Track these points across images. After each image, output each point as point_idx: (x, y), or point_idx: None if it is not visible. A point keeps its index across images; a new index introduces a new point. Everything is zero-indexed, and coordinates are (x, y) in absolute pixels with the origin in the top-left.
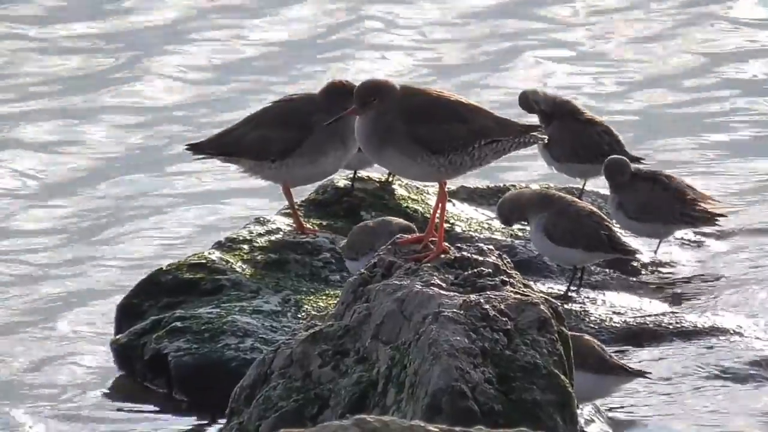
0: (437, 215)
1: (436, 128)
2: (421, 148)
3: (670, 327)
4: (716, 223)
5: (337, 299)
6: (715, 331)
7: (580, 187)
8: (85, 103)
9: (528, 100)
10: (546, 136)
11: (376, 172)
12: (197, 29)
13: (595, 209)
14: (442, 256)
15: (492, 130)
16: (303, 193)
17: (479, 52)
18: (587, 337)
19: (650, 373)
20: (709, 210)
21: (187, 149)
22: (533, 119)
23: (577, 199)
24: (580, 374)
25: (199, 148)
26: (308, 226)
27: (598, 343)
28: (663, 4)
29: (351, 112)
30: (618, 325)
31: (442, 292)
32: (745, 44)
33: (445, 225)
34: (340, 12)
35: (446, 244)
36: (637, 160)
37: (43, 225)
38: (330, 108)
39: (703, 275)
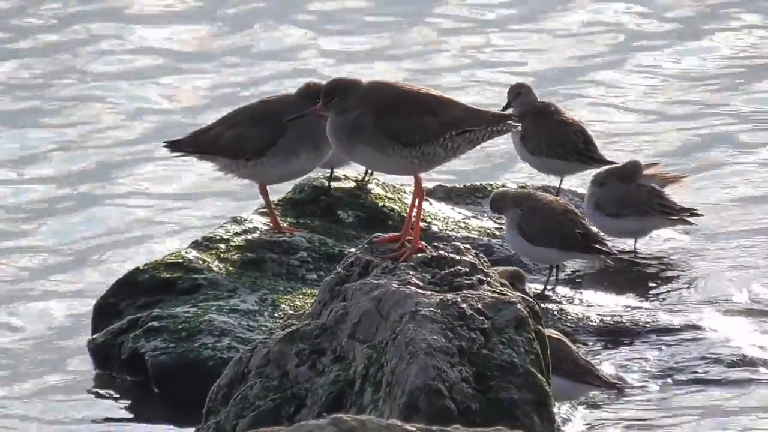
0: (413, 214)
1: (405, 121)
2: (391, 141)
3: (647, 325)
4: (692, 217)
5: (314, 298)
6: (691, 329)
7: (557, 185)
8: (53, 101)
9: (514, 93)
10: (519, 124)
11: (352, 171)
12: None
13: (570, 207)
14: (419, 254)
15: (462, 120)
16: (280, 192)
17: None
18: (565, 340)
19: (622, 387)
20: (684, 206)
21: (164, 146)
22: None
23: (551, 197)
24: (553, 378)
25: (176, 146)
26: (285, 225)
27: (573, 348)
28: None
29: (314, 111)
30: (595, 323)
31: (419, 291)
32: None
33: (422, 224)
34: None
35: (422, 242)
36: (608, 162)
37: (16, 225)
38: (305, 109)
39: (679, 273)
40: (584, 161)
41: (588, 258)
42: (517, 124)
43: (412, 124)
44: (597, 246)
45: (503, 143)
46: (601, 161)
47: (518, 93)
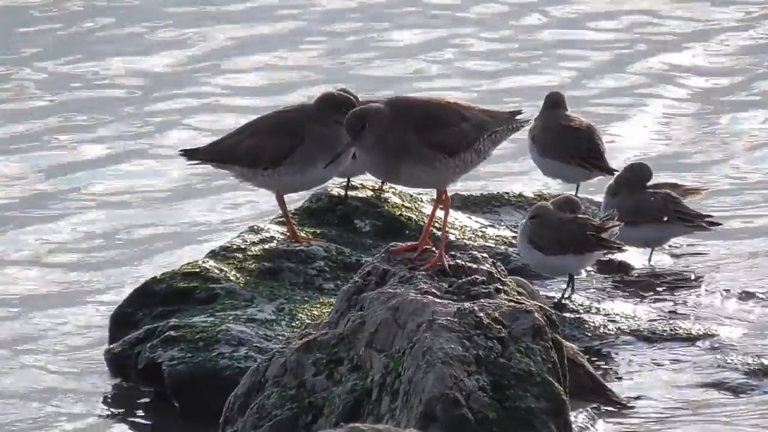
0: (433, 222)
1: (447, 131)
2: (438, 153)
3: (664, 334)
4: (708, 223)
5: (331, 307)
6: (708, 338)
7: (574, 194)
8: (69, 104)
9: (554, 102)
10: (530, 117)
11: (369, 180)
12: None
13: (577, 214)
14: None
15: (489, 122)
16: (297, 201)
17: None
18: (574, 353)
19: (624, 403)
20: (700, 212)
21: (181, 155)
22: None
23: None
24: None
25: (193, 154)
26: (302, 234)
27: (586, 364)
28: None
29: (349, 146)
30: (612, 333)
31: (436, 300)
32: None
33: (440, 233)
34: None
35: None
36: (611, 171)
37: (33, 234)
38: (322, 119)
39: (695, 282)
40: (584, 167)
41: (604, 255)
42: (528, 118)
43: (454, 133)
44: (611, 241)
45: (522, 152)
46: (604, 169)
47: (552, 101)
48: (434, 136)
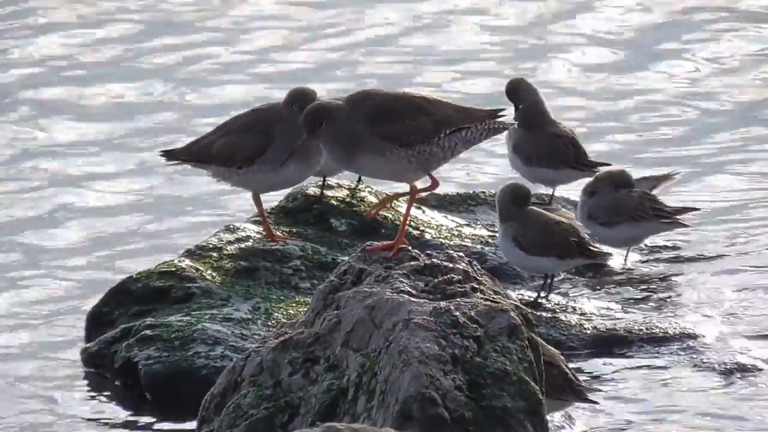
0: (407, 222)
1: (399, 123)
2: (389, 144)
3: (640, 333)
4: (688, 212)
5: (307, 306)
6: (684, 337)
7: (550, 193)
8: (47, 99)
9: (515, 90)
10: (515, 122)
11: (345, 179)
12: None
13: (561, 218)
14: (412, 263)
15: (455, 118)
16: (273, 200)
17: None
18: (552, 355)
19: (595, 401)
20: (677, 207)
21: (160, 155)
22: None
23: (542, 211)
24: None
25: (171, 155)
26: (278, 233)
27: (561, 359)
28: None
29: (302, 147)
30: (588, 332)
31: (413, 299)
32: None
33: (416, 232)
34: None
35: (416, 251)
36: (599, 165)
37: (7, 234)
38: (291, 116)
39: (672, 282)
40: (576, 168)
41: (585, 262)
42: (512, 121)
43: (407, 125)
44: (593, 250)
45: (499, 152)
46: (592, 166)
47: (516, 89)
48: (384, 127)
